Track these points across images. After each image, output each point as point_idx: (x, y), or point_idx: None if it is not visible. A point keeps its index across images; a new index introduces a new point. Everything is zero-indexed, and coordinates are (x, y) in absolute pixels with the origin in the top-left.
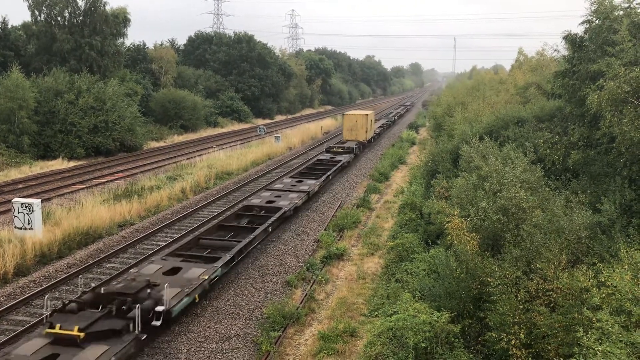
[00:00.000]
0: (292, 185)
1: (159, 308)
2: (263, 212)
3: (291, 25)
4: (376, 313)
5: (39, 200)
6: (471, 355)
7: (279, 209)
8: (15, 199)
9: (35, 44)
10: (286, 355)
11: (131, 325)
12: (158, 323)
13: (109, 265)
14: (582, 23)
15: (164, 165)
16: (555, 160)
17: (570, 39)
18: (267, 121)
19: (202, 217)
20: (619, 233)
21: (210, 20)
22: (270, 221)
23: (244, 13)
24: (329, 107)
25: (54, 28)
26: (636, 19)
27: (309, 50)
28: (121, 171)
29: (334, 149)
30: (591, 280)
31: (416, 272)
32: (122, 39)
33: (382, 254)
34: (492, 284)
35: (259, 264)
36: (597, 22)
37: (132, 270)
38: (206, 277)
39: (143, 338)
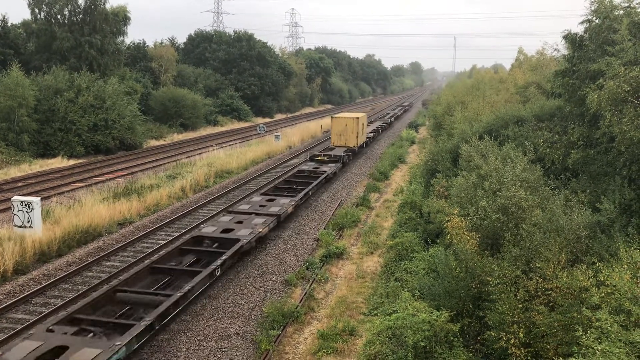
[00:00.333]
0: (261, 206)
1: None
2: (216, 245)
3: (291, 23)
4: (375, 312)
5: (39, 198)
6: (470, 354)
7: (236, 241)
8: (15, 197)
9: (35, 42)
10: (285, 354)
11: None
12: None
13: (108, 263)
14: (582, 22)
15: (164, 163)
16: (555, 160)
17: (570, 39)
18: (267, 120)
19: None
20: (619, 232)
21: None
22: (218, 262)
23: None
24: (329, 106)
25: (54, 26)
26: (636, 19)
27: (309, 49)
28: (121, 169)
29: (319, 158)
30: (590, 280)
31: (415, 271)
32: (122, 37)
33: (382, 252)
34: (491, 283)
35: (258, 263)
36: (597, 21)
37: None
38: None
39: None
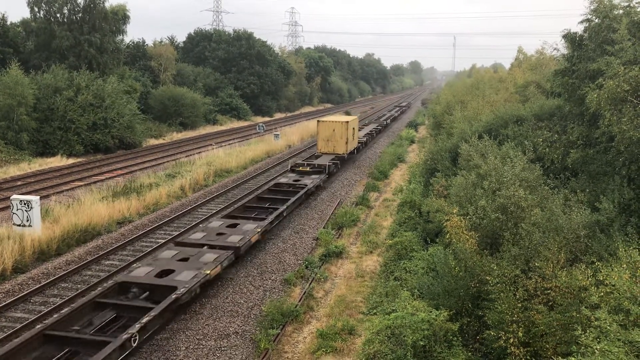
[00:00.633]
0: (219, 234)
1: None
2: (145, 294)
3: (291, 22)
4: (375, 311)
5: (38, 197)
6: (469, 354)
7: (171, 289)
8: (14, 196)
9: (34, 41)
10: (284, 353)
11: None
12: None
13: (107, 262)
14: (582, 22)
15: (163, 162)
16: (554, 159)
17: (570, 38)
18: (267, 119)
19: (199, 215)
20: (618, 232)
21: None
22: (137, 326)
23: (244, 10)
24: (329, 105)
25: (53, 25)
26: (635, 18)
27: (309, 48)
28: (120, 168)
29: (301, 168)
30: (589, 279)
31: (415, 271)
32: (121, 36)
33: (381, 252)
34: (490, 282)
35: (257, 262)
36: (596, 21)
37: None
38: None
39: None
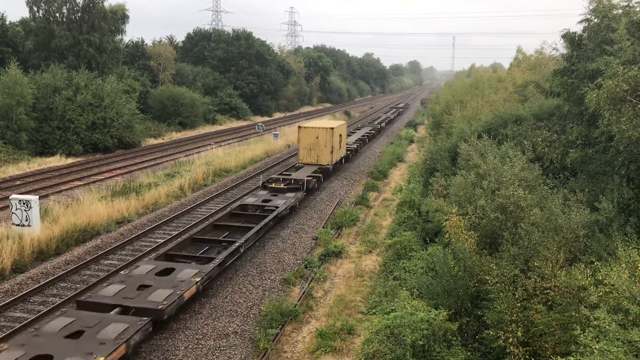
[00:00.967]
0: (141, 288)
1: None
2: None
3: (290, 22)
4: (374, 311)
5: (37, 196)
6: (469, 353)
7: None
8: (13, 196)
9: (33, 41)
10: (284, 353)
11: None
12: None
13: (107, 262)
14: (581, 22)
15: (162, 162)
16: (554, 159)
17: (569, 38)
18: (266, 119)
19: (199, 215)
20: (617, 232)
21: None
22: None
23: (243, 10)
24: (328, 105)
25: (52, 24)
26: (634, 18)
27: (308, 47)
28: (119, 168)
29: (274, 184)
30: (589, 279)
31: (414, 270)
32: (120, 36)
33: (380, 251)
34: (489, 282)
35: (257, 262)
36: (595, 20)
37: None
38: None
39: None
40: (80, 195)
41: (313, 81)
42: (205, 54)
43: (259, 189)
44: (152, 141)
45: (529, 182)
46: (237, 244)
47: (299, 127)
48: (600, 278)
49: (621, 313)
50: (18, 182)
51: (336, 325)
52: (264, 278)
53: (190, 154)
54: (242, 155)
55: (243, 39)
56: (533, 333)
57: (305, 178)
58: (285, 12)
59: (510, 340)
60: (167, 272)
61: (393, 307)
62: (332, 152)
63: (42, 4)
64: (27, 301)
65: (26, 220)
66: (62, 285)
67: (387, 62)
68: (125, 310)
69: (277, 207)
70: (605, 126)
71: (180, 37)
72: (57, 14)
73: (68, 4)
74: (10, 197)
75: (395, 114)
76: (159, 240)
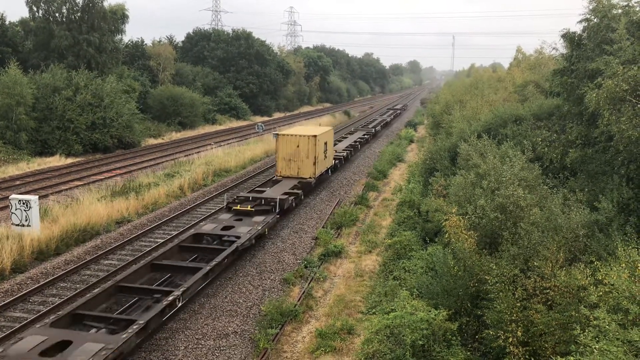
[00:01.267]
0: None
1: None
2: None
3: (289, 22)
4: (374, 310)
5: (37, 196)
6: (468, 353)
7: None
8: (13, 196)
9: (33, 40)
10: (284, 353)
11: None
12: None
13: (106, 262)
14: (581, 21)
15: (162, 162)
16: (553, 159)
17: (569, 37)
18: (265, 118)
19: (198, 214)
20: (617, 231)
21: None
22: None
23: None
24: (327, 105)
25: (52, 24)
26: (634, 18)
27: (308, 47)
28: (119, 168)
29: (240, 206)
30: (588, 279)
31: (414, 270)
32: (120, 36)
33: (380, 251)
34: (489, 281)
35: (256, 262)
36: (595, 20)
37: None
38: None
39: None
40: (80, 195)
41: (313, 81)
42: (205, 54)
43: (222, 211)
44: (152, 141)
45: (529, 181)
46: (172, 296)
47: (277, 134)
48: (600, 278)
49: (621, 313)
50: (18, 182)
51: (336, 325)
52: (263, 278)
53: (190, 154)
54: (242, 155)
55: (243, 38)
56: (533, 333)
57: (279, 197)
58: (284, 12)
59: (510, 340)
60: (60, 348)
61: (393, 307)
62: (315, 163)
63: (41, 3)
64: (27, 301)
65: (26, 220)
66: (61, 285)
67: (386, 62)
68: None
69: (238, 237)
70: (604, 126)
71: (180, 37)
72: (57, 14)
73: (68, 4)
74: (10, 197)
75: (393, 116)
76: (158, 240)
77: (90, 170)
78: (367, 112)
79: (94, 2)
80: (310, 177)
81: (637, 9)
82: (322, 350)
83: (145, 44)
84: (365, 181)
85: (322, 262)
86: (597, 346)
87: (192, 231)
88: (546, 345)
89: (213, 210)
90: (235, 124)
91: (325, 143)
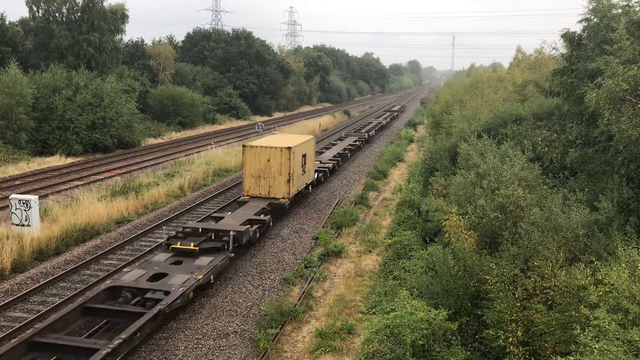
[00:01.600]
0: None
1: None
2: None
3: (289, 22)
4: (374, 310)
5: (37, 196)
6: (468, 353)
7: None
8: (13, 196)
9: (33, 40)
10: (284, 352)
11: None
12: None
13: (106, 262)
14: (581, 21)
15: (162, 162)
16: (553, 158)
17: (569, 37)
18: (265, 118)
19: (199, 214)
20: (617, 231)
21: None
22: None
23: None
24: (327, 105)
25: (52, 24)
26: (634, 17)
27: (308, 47)
28: (119, 168)
29: (182, 244)
30: (588, 278)
31: (414, 270)
32: (120, 36)
33: (380, 251)
34: (489, 281)
35: (256, 261)
36: (595, 20)
37: None
38: None
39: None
40: (79, 195)
41: (313, 81)
42: (205, 53)
43: (159, 250)
44: (152, 141)
45: (529, 181)
46: None
47: (244, 146)
48: (600, 277)
49: (621, 312)
50: (18, 182)
51: (336, 324)
52: (263, 278)
53: (190, 154)
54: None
55: (243, 38)
56: (533, 332)
57: (234, 230)
58: (284, 12)
59: (510, 339)
60: None
61: (393, 307)
62: (289, 180)
63: (41, 3)
64: (27, 301)
65: (26, 220)
66: (61, 285)
67: (386, 62)
68: None
69: (168, 293)
70: (605, 126)
71: (180, 37)
72: (57, 14)
73: (68, 4)
74: (10, 196)
75: (389, 119)
76: (158, 240)
77: (90, 170)
78: (366, 111)
79: (94, 2)
80: (283, 198)
81: (637, 8)
82: (322, 350)
83: (145, 43)
84: (365, 181)
85: (322, 261)
86: (597, 346)
87: (108, 282)
88: (546, 345)
89: (213, 210)
90: (235, 123)
91: (304, 155)
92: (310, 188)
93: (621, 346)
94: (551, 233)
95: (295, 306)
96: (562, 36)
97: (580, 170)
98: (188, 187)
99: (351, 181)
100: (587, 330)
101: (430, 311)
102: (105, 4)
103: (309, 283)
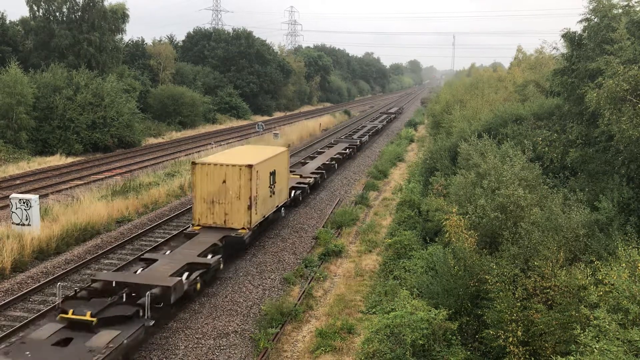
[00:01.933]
0: None
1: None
2: None
3: (290, 21)
4: (374, 310)
5: (37, 196)
6: (468, 353)
7: None
8: (13, 195)
9: (33, 40)
10: (284, 352)
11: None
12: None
13: (107, 261)
14: (581, 21)
15: (162, 161)
16: (554, 158)
17: (569, 37)
18: (266, 118)
19: None
20: (617, 231)
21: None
22: None
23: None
24: (328, 104)
25: (52, 24)
26: (634, 17)
27: (308, 47)
28: (119, 167)
29: (75, 314)
30: (589, 278)
31: (414, 270)
32: (120, 35)
33: (380, 251)
34: (489, 281)
35: (257, 261)
36: (595, 20)
37: None
38: None
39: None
40: (80, 194)
41: (313, 80)
42: (206, 53)
43: (47, 319)
44: (152, 140)
45: (529, 181)
46: None
47: (193, 163)
48: (600, 277)
49: (621, 312)
50: (18, 182)
51: (336, 324)
52: (264, 277)
53: (190, 153)
54: None
55: (243, 38)
56: (533, 332)
57: (152, 290)
58: (285, 12)
59: (510, 339)
60: None
61: (393, 307)
62: (251, 206)
63: (42, 3)
64: (28, 300)
65: (26, 219)
66: (62, 284)
67: (387, 62)
68: None
69: None
70: (605, 125)
71: (180, 37)
72: (57, 13)
73: (68, 3)
74: (11, 196)
75: (386, 121)
76: (159, 239)
77: (90, 170)
78: (366, 111)
79: (94, 1)
80: (243, 228)
81: (638, 8)
82: (322, 349)
83: (146, 43)
84: (365, 180)
85: (322, 261)
86: (597, 346)
87: None
88: (546, 344)
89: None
90: (236, 123)
91: (272, 173)
92: (283, 211)
93: (621, 346)
94: (551, 233)
95: (295, 306)
96: (563, 36)
97: (580, 170)
98: (188, 187)
99: (352, 181)
100: (587, 330)
101: (430, 311)
102: (106, 3)
103: (309, 283)
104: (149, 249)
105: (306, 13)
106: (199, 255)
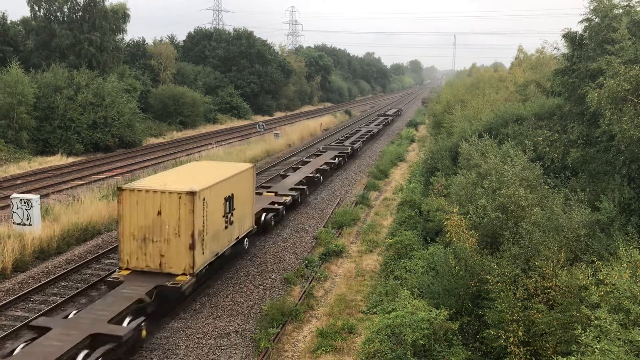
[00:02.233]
0: None
1: None
2: None
3: (291, 21)
4: (375, 310)
5: (38, 196)
6: (469, 353)
7: None
8: (14, 195)
9: (34, 40)
10: (284, 352)
11: None
12: None
13: (107, 261)
14: (582, 21)
15: (163, 161)
16: (555, 158)
17: (570, 37)
18: (266, 118)
19: None
20: (618, 231)
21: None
22: None
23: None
24: (329, 104)
25: (53, 24)
26: (635, 17)
27: (309, 47)
28: (120, 167)
29: None
30: (590, 278)
31: (415, 270)
32: (121, 35)
33: (381, 251)
34: (490, 281)
35: (257, 261)
36: (596, 20)
37: None
38: None
39: None
40: (81, 194)
41: (314, 80)
42: (206, 53)
43: None
44: (153, 140)
45: (530, 181)
46: None
47: (119, 189)
48: (601, 278)
49: (622, 313)
50: (19, 181)
51: (337, 324)
52: (264, 277)
53: (191, 153)
54: (243, 155)
55: (244, 38)
56: (534, 332)
57: None
58: (286, 12)
59: (511, 339)
60: None
61: (394, 307)
62: (194, 244)
63: (43, 3)
64: (28, 300)
65: (27, 219)
66: (63, 284)
67: (388, 62)
68: None
69: None
70: (606, 125)
71: (181, 37)
72: (58, 13)
73: (69, 3)
74: (12, 196)
75: (382, 125)
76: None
77: (91, 170)
78: (367, 110)
79: (95, 1)
80: (184, 274)
81: (638, 8)
82: (323, 349)
83: (147, 43)
84: (366, 180)
85: (323, 261)
86: (598, 346)
87: None
88: (547, 345)
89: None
90: (237, 123)
91: (229, 198)
92: (246, 242)
93: (622, 346)
94: (552, 233)
95: (296, 306)
96: (564, 36)
97: (581, 170)
98: None
99: (352, 181)
100: (588, 330)
101: (431, 311)
102: (107, 3)
103: (310, 283)
104: (45, 309)
105: (307, 13)
106: (111, 321)
